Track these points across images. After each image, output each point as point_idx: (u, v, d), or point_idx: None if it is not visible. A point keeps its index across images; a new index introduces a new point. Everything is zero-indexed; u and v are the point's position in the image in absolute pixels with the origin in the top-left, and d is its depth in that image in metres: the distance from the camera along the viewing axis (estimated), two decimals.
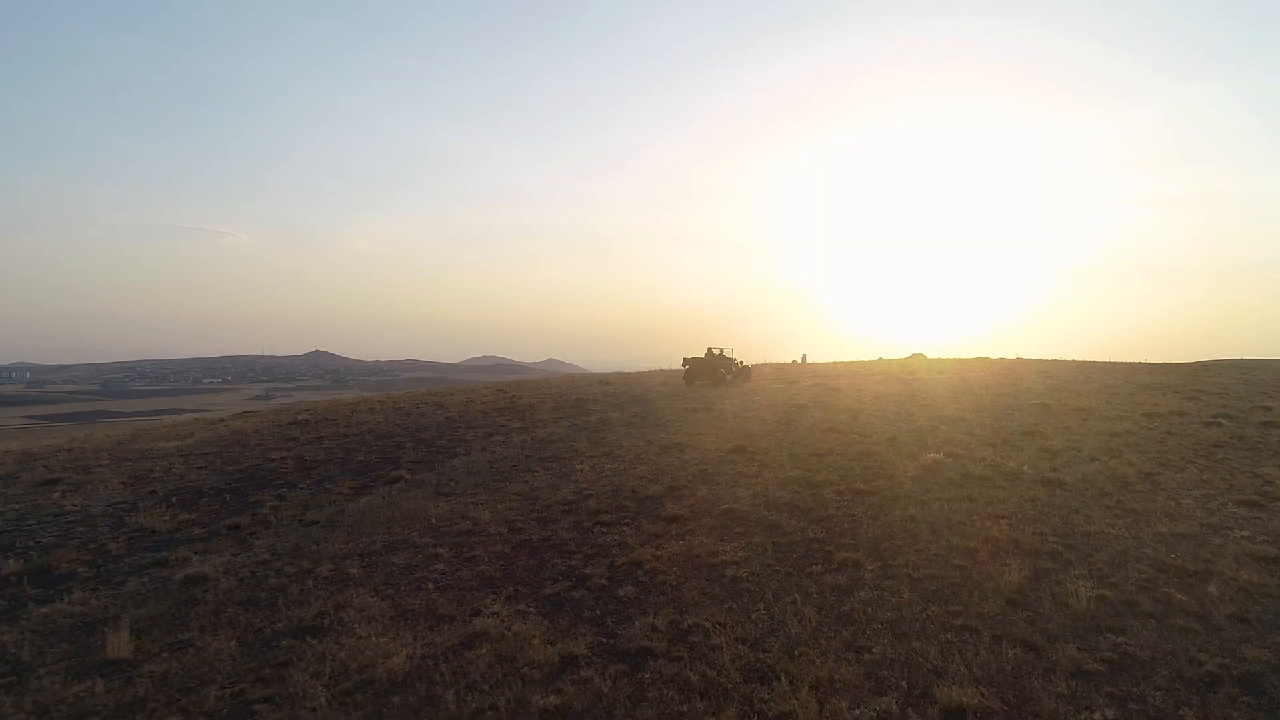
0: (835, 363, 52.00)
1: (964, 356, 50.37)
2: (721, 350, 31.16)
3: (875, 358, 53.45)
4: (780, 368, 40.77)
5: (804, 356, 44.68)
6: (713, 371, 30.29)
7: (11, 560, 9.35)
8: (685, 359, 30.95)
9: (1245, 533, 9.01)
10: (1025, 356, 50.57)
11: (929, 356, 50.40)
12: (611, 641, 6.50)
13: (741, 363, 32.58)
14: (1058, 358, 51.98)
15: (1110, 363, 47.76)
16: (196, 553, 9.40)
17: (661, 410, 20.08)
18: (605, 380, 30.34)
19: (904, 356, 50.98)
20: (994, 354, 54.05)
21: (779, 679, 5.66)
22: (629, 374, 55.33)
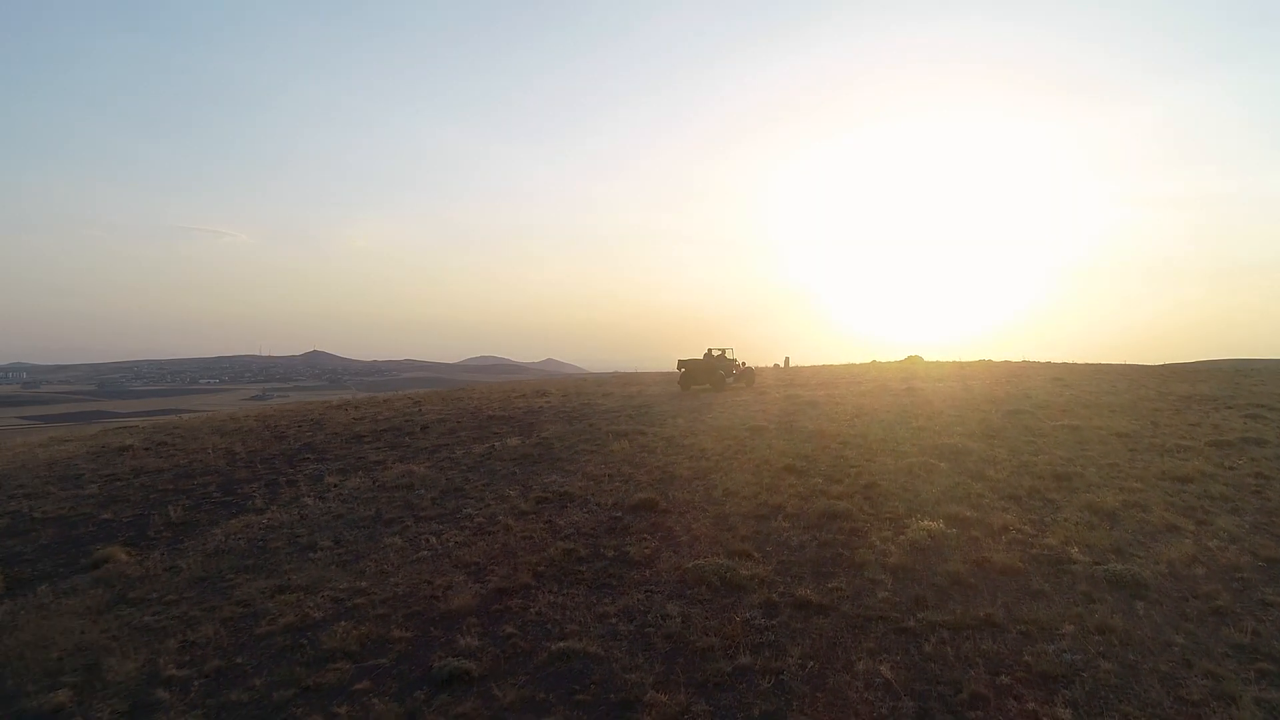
0: (824, 366, 47.45)
1: (964, 359, 45.79)
2: (722, 351, 27.74)
3: (869, 360, 48.94)
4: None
5: (787, 360, 40.12)
6: (711, 374, 26.68)
7: None
8: (680, 361, 27.24)
9: None
10: (1031, 359, 46.06)
11: (926, 359, 45.89)
12: None
13: (744, 364, 29.02)
14: (1066, 360, 47.53)
15: (1127, 365, 43.27)
16: None
17: (579, 435, 15.50)
18: (543, 391, 25.74)
19: (900, 359, 46.46)
20: (996, 356, 49.57)
21: None
22: (623, 374, 50.73)
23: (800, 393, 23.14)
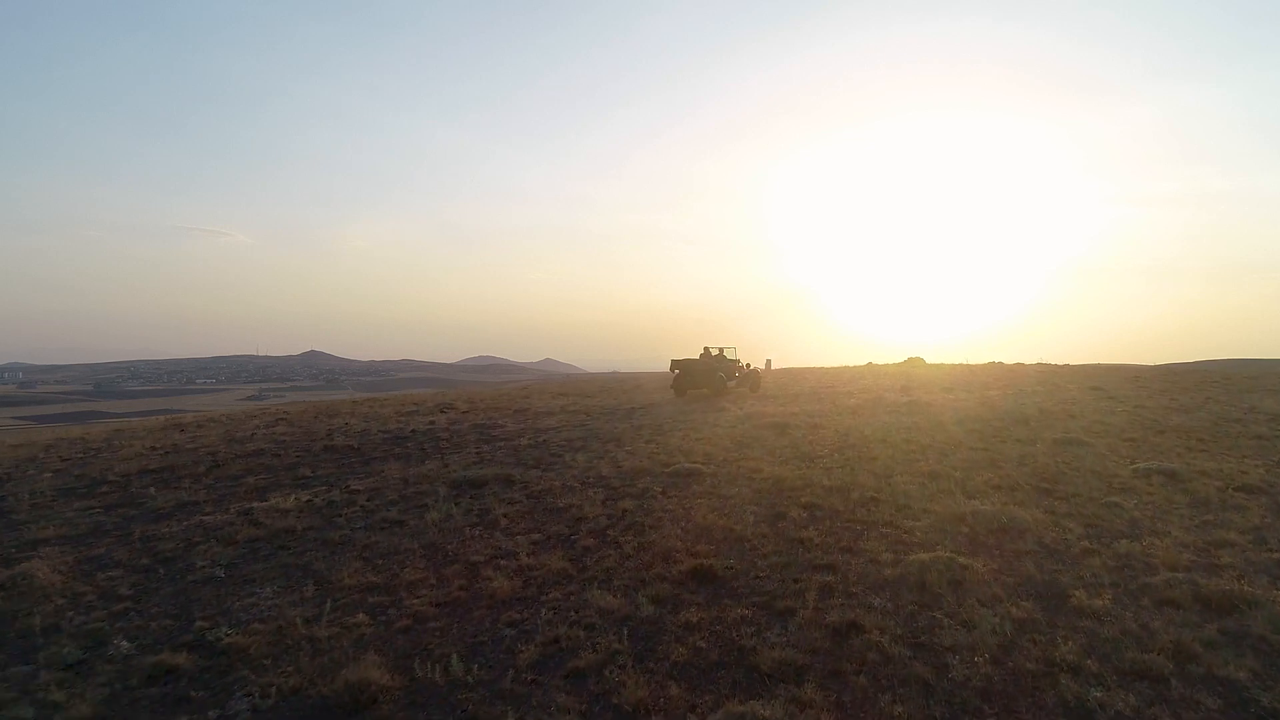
0: (813, 369, 42.13)
1: (972, 362, 40.47)
2: (721, 350, 24.12)
3: (865, 363, 43.57)
4: None
5: (769, 363, 34.73)
6: (710, 377, 22.89)
7: None
8: (673, 362, 23.28)
9: None
10: (1047, 361, 40.81)
11: (928, 361, 40.57)
12: None
13: (748, 365, 25.33)
14: (1082, 361, 42.26)
15: (1160, 367, 38.06)
16: None
17: (406, 487, 10.18)
18: (448, 405, 20.36)
19: (899, 361, 41.13)
20: (1007, 357, 44.33)
21: None
22: (621, 376, 45.34)
23: (770, 409, 17.80)
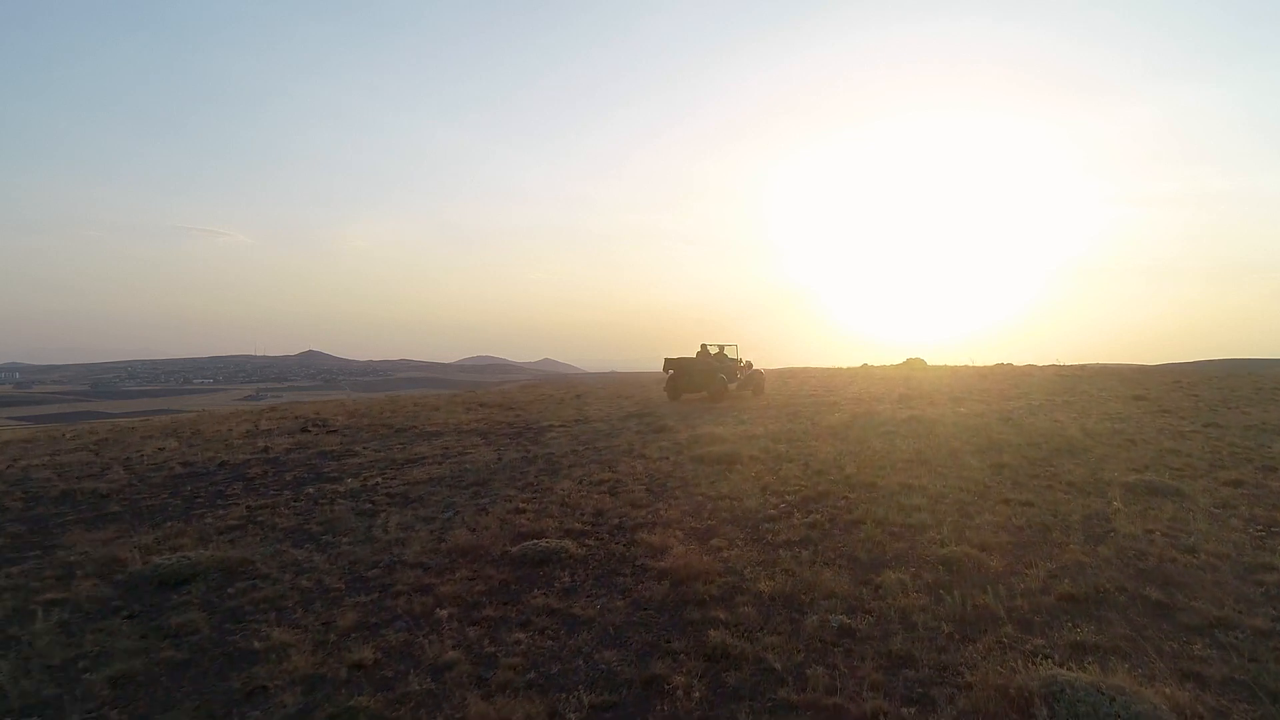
0: (802, 369, 37.96)
1: (979, 363, 36.30)
2: (721, 348, 21.55)
3: (860, 365, 39.41)
4: None
5: (749, 364, 30.59)
6: (710, 378, 20.41)
7: None
8: (667, 361, 20.76)
9: None
10: (1061, 362, 36.69)
11: (929, 363, 36.39)
12: None
13: (749, 364, 22.57)
14: (1089, 361, 38.26)
15: (1199, 364, 34.03)
16: None
17: (63, 587, 6.06)
18: (315, 423, 16.14)
19: (897, 363, 36.95)
20: (1013, 357, 40.20)
21: None
22: (621, 375, 41.22)
23: (728, 429, 13.60)
